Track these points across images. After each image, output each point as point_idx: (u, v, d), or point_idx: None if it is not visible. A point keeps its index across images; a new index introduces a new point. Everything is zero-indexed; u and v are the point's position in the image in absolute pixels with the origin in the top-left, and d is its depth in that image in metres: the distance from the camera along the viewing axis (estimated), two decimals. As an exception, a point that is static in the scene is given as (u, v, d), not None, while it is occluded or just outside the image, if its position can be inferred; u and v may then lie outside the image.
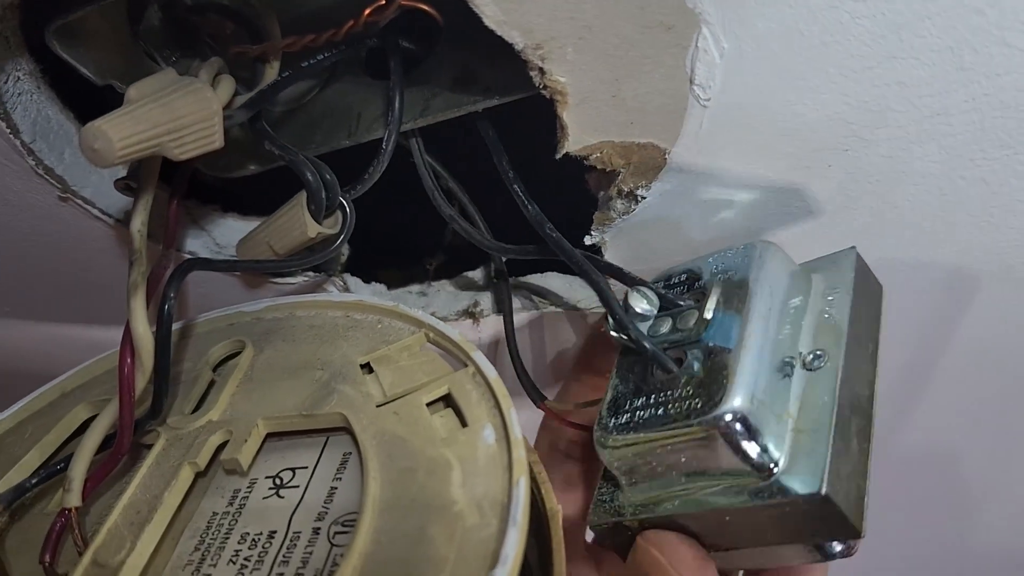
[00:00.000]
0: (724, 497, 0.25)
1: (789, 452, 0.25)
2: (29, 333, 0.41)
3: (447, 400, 0.28)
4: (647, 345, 0.28)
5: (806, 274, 0.29)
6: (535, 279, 0.41)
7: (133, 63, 0.34)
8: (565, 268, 0.40)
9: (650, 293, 0.29)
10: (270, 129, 0.32)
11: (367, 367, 0.30)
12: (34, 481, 0.28)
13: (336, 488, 0.27)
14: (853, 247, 0.29)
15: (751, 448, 0.24)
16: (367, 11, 0.30)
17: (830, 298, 0.28)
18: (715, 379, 0.25)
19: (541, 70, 0.27)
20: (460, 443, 0.26)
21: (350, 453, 0.28)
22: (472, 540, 0.22)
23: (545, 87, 0.28)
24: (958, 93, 0.27)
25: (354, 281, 0.41)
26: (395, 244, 0.45)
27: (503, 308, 0.40)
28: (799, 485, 0.23)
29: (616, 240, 0.35)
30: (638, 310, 0.28)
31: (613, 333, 0.29)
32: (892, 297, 0.29)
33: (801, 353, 0.27)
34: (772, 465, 0.24)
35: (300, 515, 0.26)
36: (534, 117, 0.31)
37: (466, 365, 0.28)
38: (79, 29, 0.31)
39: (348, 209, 0.33)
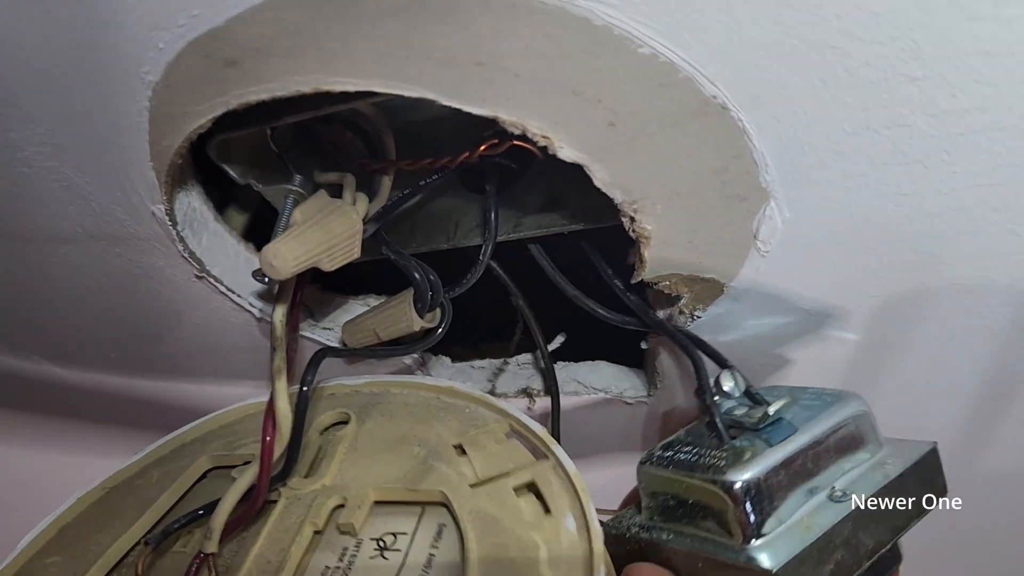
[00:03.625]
0: (706, 545, 0.30)
1: (773, 537, 0.29)
2: (147, 387, 0.46)
3: (529, 487, 0.33)
4: (713, 411, 0.32)
5: (879, 443, 0.33)
6: (585, 366, 0.47)
7: (266, 165, 0.39)
8: (614, 359, 0.46)
9: (740, 379, 0.34)
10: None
11: (459, 448, 0.35)
12: (177, 525, 0.33)
13: (434, 556, 0.32)
14: (935, 442, 0.33)
15: (741, 515, 0.29)
16: (483, 147, 0.36)
17: (888, 463, 0.32)
18: (745, 455, 0.30)
19: (632, 219, 0.33)
20: (545, 528, 0.31)
21: (444, 525, 0.33)
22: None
23: (633, 231, 0.33)
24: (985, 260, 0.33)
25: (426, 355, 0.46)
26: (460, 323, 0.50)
27: (551, 392, 0.45)
28: (763, 558, 0.28)
29: (667, 345, 0.41)
30: (725, 388, 0.33)
31: (697, 397, 0.34)
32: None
33: (834, 487, 0.31)
34: (752, 537, 0.29)
35: (404, 576, 0.31)
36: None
37: (547, 457, 0.34)
38: (232, 142, 0.36)
39: (447, 307, 0.38)
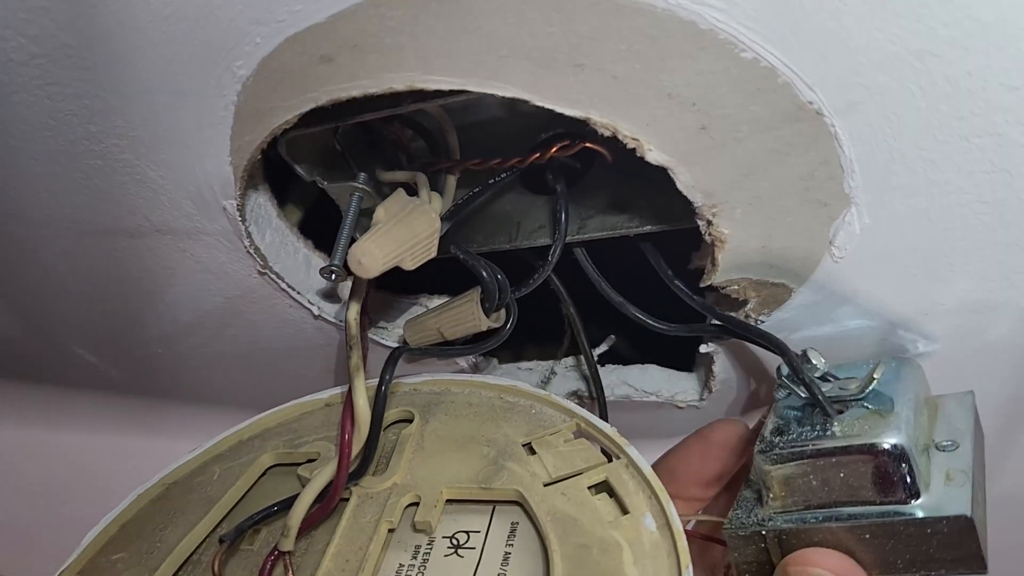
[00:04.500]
0: (870, 515, 0.29)
1: (935, 488, 0.29)
2: (201, 381, 0.46)
3: (603, 487, 0.33)
4: (815, 388, 0.32)
5: (934, 402, 0.34)
6: (636, 369, 0.47)
7: (331, 163, 0.39)
8: (665, 363, 0.46)
9: (823, 356, 0.34)
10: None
11: (528, 448, 0.35)
12: (251, 522, 0.33)
13: (510, 554, 0.32)
14: (971, 391, 0.34)
15: (904, 474, 0.29)
16: (554, 148, 0.36)
17: (955, 419, 0.33)
18: (880, 423, 0.30)
19: (709, 222, 0.33)
20: (625, 527, 0.31)
21: (517, 523, 0.33)
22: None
23: (709, 235, 0.33)
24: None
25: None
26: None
27: (597, 398, 0.45)
28: (950, 507, 0.28)
29: (727, 351, 0.41)
30: (813, 362, 0.33)
31: (784, 379, 0.33)
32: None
33: (935, 440, 0.32)
34: (917, 494, 0.29)
35: (482, 573, 0.31)
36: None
37: (618, 457, 0.34)
38: (301, 139, 0.36)
39: (513, 307, 0.38)
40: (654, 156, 0.30)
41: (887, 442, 0.29)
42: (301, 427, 0.40)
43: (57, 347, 0.48)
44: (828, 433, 0.31)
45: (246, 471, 0.37)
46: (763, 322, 0.38)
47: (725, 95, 0.28)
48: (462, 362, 0.45)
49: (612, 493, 0.33)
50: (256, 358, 0.44)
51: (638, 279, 0.40)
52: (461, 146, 0.40)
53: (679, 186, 0.31)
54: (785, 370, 0.33)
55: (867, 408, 0.31)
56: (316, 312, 0.42)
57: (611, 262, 0.40)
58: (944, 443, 0.32)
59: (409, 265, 0.32)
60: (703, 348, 0.41)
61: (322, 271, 0.37)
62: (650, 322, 0.40)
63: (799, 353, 0.33)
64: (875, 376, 0.32)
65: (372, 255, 0.30)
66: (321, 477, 0.33)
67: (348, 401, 0.32)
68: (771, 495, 0.32)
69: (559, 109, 0.29)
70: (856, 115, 0.28)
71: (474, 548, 0.32)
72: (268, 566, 0.32)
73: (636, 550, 0.30)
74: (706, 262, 0.35)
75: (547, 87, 0.29)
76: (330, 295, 0.42)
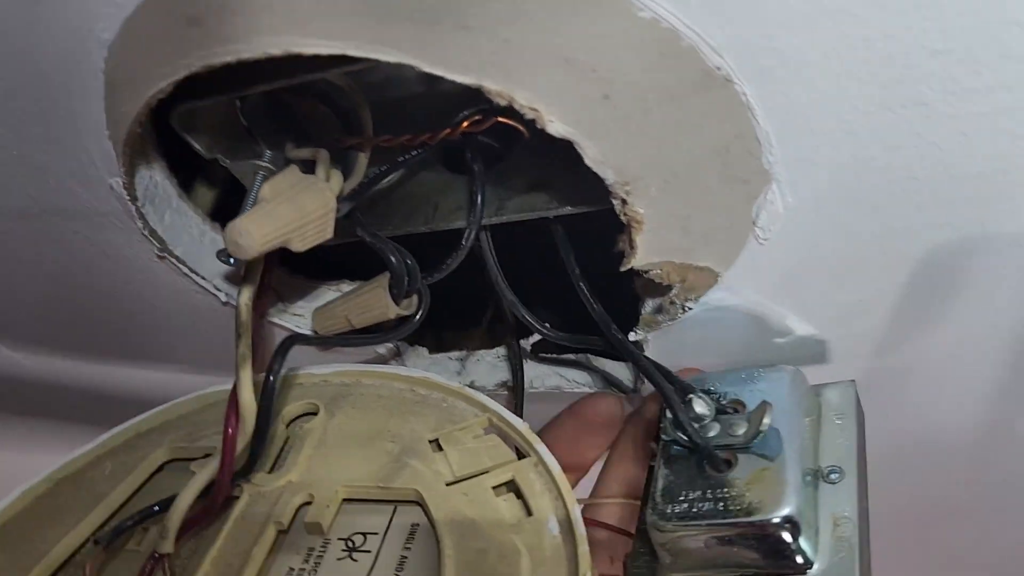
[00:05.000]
0: None
1: (826, 552, 0.28)
2: (102, 370, 0.44)
3: (509, 486, 0.31)
4: (705, 445, 0.31)
5: (815, 396, 0.33)
6: (568, 359, 0.45)
7: (235, 139, 0.37)
8: (604, 354, 0.44)
9: (710, 401, 0.32)
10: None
11: (435, 444, 0.33)
12: (130, 523, 0.31)
13: (407, 558, 0.30)
14: (853, 381, 0.33)
15: (796, 547, 0.28)
16: (465, 123, 0.34)
17: (837, 422, 0.32)
18: (770, 483, 0.29)
19: (624, 201, 0.30)
20: (527, 531, 0.29)
21: (417, 524, 0.31)
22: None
23: (624, 214, 0.31)
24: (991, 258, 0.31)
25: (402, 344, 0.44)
26: (438, 311, 0.48)
27: (515, 386, 0.43)
28: None
29: (657, 339, 0.39)
30: (698, 411, 0.32)
31: (669, 429, 0.32)
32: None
33: (821, 467, 0.31)
34: (810, 563, 0.28)
35: (374, 580, 0.29)
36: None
37: (529, 455, 0.32)
38: (197, 112, 0.34)
39: (425, 294, 0.36)
40: (556, 128, 0.28)
41: (778, 516, 0.28)
42: (204, 420, 0.37)
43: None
44: (720, 499, 0.30)
45: (138, 467, 0.35)
46: (691, 309, 0.36)
47: (626, 60, 0.26)
48: (383, 351, 0.42)
49: (518, 493, 0.31)
50: (163, 346, 0.42)
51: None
52: (382, 125, 0.37)
53: (587, 161, 0.29)
54: (670, 420, 0.32)
55: (757, 456, 0.30)
56: (223, 299, 0.39)
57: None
58: (830, 471, 0.30)
59: (298, 246, 0.30)
60: (632, 336, 0.39)
61: (219, 254, 0.35)
62: (537, 326, 0.38)
63: (683, 401, 0.32)
64: (762, 428, 0.30)
65: (249, 234, 0.27)
66: (203, 474, 0.30)
67: (233, 393, 0.30)
68: (666, 557, 0.31)
69: (450, 76, 0.27)
70: (769, 82, 0.26)
71: (369, 551, 0.30)
72: (147, 570, 0.30)
73: (535, 556, 0.28)
74: (625, 245, 0.33)
75: (434, 52, 0.26)
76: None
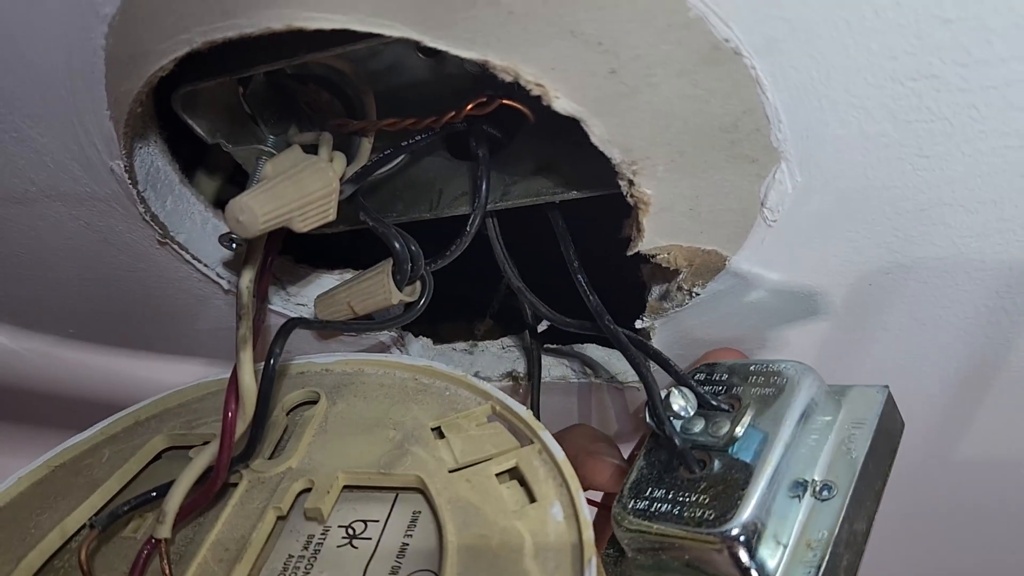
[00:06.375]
0: None
1: (783, 571, 0.27)
2: (102, 360, 0.43)
3: (512, 473, 0.31)
4: (678, 444, 0.30)
5: (837, 399, 0.31)
6: (575, 349, 0.44)
7: (238, 124, 0.37)
8: (607, 342, 0.43)
9: (690, 395, 0.31)
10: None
11: (438, 432, 0.33)
12: (126, 508, 0.30)
13: (408, 544, 0.29)
14: (886, 386, 0.31)
15: (749, 564, 0.27)
16: (469, 106, 0.33)
17: (854, 432, 0.30)
18: (730, 494, 0.28)
19: (631, 182, 0.30)
20: (530, 517, 0.28)
21: (419, 512, 0.30)
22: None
23: (631, 196, 0.31)
24: (993, 238, 0.31)
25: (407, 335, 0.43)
26: (444, 300, 0.48)
27: (532, 375, 0.42)
28: None
29: (664, 327, 0.38)
30: (675, 408, 0.31)
31: (649, 421, 0.31)
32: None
33: (815, 480, 0.29)
34: None
35: (375, 566, 0.29)
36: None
37: (532, 441, 0.31)
38: (200, 95, 0.34)
39: (428, 280, 0.35)
40: (562, 105, 0.28)
41: (726, 530, 0.27)
42: (203, 408, 0.37)
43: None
44: (679, 502, 0.29)
45: (136, 454, 0.34)
46: (699, 295, 0.35)
47: (633, 32, 0.25)
48: (385, 339, 0.42)
49: (522, 480, 0.30)
50: (164, 334, 0.41)
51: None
52: (385, 112, 0.37)
53: (594, 140, 0.29)
54: (650, 412, 0.31)
55: (732, 459, 0.29)
56: (226, 287, 0.39)
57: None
58: (823, 485, 0.28)
59: (300, 227, 0.29)
60: (638, 323, 0.38)
61: (221, 239, 0.34)
62: (544, 311, 0.38)
63: (663, 396, 0.31)
64: (736, 434, 0.29)
65: (251, 211, 0.27)
66: (201, 459, 0.30)
67: (232, 377, 0.30)
68: (630, 554, 0.30)
69: (454, 51, 0.27)
70: (778, 55, 0.25)
71: (370, 539, 0.30)
72: (144, 555, 0.29)
73: (539, 541, 0.27)
74: (632, 228, 0.33)
75: (437, 25, 0.26)
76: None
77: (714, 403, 0.31)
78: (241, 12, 0.26)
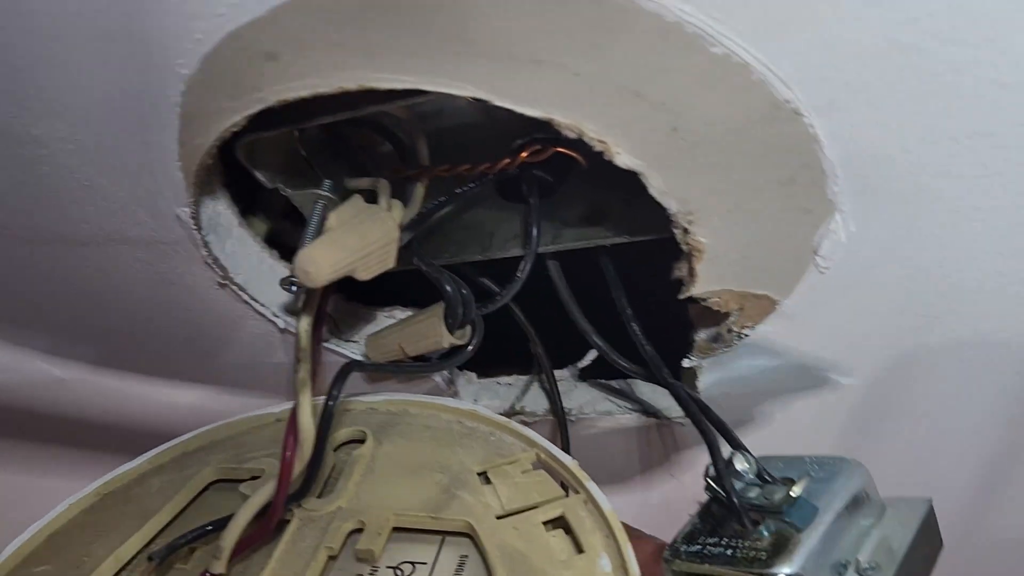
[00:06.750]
0: None
1: None
2: (153, 392, 0.44)
3: (558, 523, 0.31)
4: (736, 500, 0.31)
5: (882, 504, 0.32)
6: (619, 384, 0.45)
7: (294, 168, 0.38)
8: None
9: (752, 460, 0.32)
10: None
11: (484, 477, 0.33)
12: (183, 541, 0.31)
13: (457, 588, 0.30)
14: (929, 499, 0.32)
15: None
16: (524, 153, 0.34)
17: (896, 531, 0.31)
18: (783, 544, 0.29)
19: (686, 230, 0.31)
20: (578, 568, 0.29)
21: (466, 556, 0.31)
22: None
23: (686, 243, 0.31)
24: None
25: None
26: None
27: (557, 416, 0.43)
28: None
29: (711, 367, 0.39)
30: (738, 468, 0.32)
31: (710, 481, 0.32)
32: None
33: (859, 560, 0.30)
34: None
35: (425, 608, 0.29)
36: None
37: (578, 491, 0.32)
38: (259, 143, 0.35)
39: (479, 323, 0.36)
40: (623, 160, 0.28)
41: (781, 571, 0.28)
42: (249, 442, 0.38)
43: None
44: (733, 547, 0.30)
45: (186, 485, 0.35)
46: (747, 336, 0.36)
47: (696, 94, 0.26)
48: (438, 379, 0.42)
49: (568, 530, 0.31)
50: (218, 370, 0.42)
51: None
52: (437, 154, 0.38)
53: (652, 192, 0.29)
54: (712, 471, 0.32)
55: (784, 523, 0.30)
56: (282, 326, 0.40)
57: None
58: (868, 566, 0.30)
59: (363, 275, 0.30)
60: (685, 363, 0.39)
61: (282, 282, 0.35)
62: (613, 357, 0.38)
63: (727, 457, 0.32)
64: (792, 492, 0.30)
65: (318, 263, 0.28)
66: (259, 496, 0.30)
67: (292, 417, 0.30)
68: None
69: (520, 110, 0.28)
70: (836, 115, 0.26)
71: (418, 581, 0.30)
72: (200, 587, 0.30)
73: (588, 593, 0.28)
74: (684, 273, 0.33)
75: (506, 86, 0.27)
76: (297, 308, 0.40)
77: (769, 478, 0.32)
78: (316, 73, 0.27)
